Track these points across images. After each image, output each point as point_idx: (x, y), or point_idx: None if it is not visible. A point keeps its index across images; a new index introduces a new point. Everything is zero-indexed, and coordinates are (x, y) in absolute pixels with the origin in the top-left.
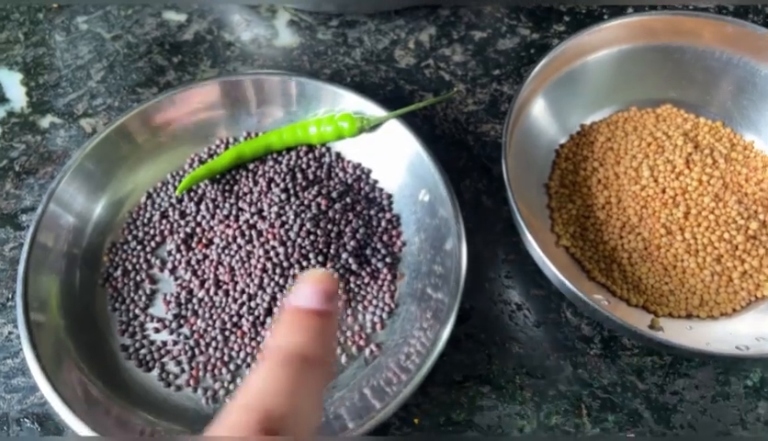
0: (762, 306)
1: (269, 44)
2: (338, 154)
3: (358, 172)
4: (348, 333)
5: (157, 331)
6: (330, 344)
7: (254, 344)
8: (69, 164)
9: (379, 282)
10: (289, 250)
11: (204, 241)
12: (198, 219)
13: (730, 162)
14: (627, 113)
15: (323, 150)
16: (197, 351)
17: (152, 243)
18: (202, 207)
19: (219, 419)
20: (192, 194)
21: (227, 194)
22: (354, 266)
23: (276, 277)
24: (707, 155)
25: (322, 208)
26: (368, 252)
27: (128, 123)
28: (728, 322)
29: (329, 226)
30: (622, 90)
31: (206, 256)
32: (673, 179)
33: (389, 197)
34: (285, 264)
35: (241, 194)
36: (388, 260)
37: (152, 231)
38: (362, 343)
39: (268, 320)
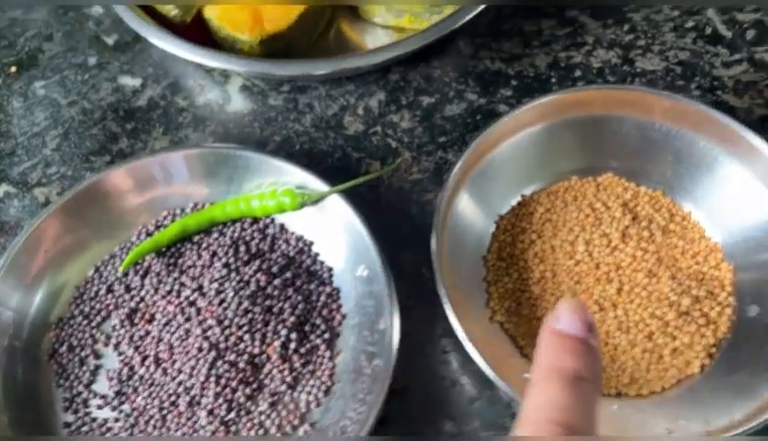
0: (690, 384)
1: (221, 110)
2: (282, 226)
3: (300, 244)
4: (284, 413)
5: (99, 407)
6: (597, 368)
7: (189, 423)
8: (5, 257)
9: (317, 359)
10: (226, 330)
11: (147, 316)
12: (143, 293)
13: (667, 234)
14: (568, 183)
15: (268, 221)
16: (136, 429)
17: (98, 318)
18: (147, 281)
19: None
20: (138, 267)
21: (171, 267)
22: (293, 344)
23: (211, 358)
24: (645, 228)
25: (262, 284)
26: (307, 328)
27: (72, 201)
28: (654, 401)
29: (267, 302)
30: (564, 160)
31: (148, 332)
32: (608, 254)
33: (330, 270)
34: (221, 345)
35: (185, 267)
36: (326, 336)
37: (97, 306)
38: (296, 422)
39: (203, 400)
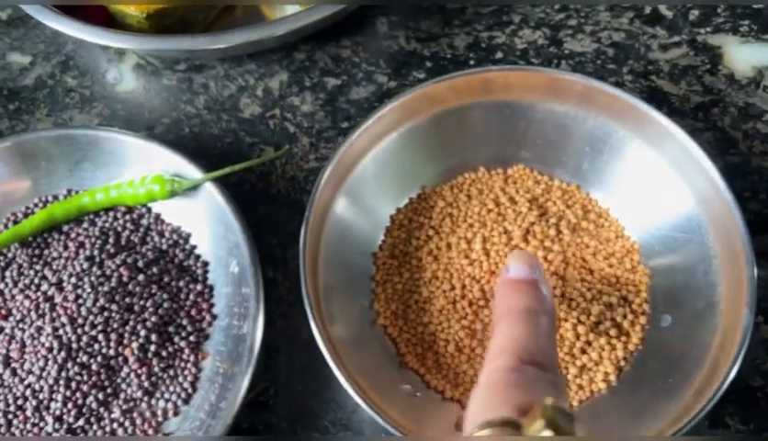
0: (592, 401)
1: (112, 90)
2: (158, 216)
3: (175, 236)
4: (138, 421)
5: None
6: (548, 302)
7: (36, 430)
8: None
9: (180, 363)
10: (79, 330)
11: (3, 312)
12: (1, 286)
13: (578, 232)
14: (475, 174)
15: (143, 211)
16: None
17: None
18: (7, 273)
19: (482, 371)
20: (1, 258)
21: (35, 259)
22: (153, 347)
23: (60, 359)
24: (552, 225)
25: (124, 279)
26: (171, 329)
27: None
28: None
29: (127, 300)
30: (470, 148)
31: (2, 329)
32: (506, 254)
33: (206, 265)
34: (74, 345)
35: (49, 259)
36: (192, 339)
37: None
38: (150, 432)
39: (52, 404)
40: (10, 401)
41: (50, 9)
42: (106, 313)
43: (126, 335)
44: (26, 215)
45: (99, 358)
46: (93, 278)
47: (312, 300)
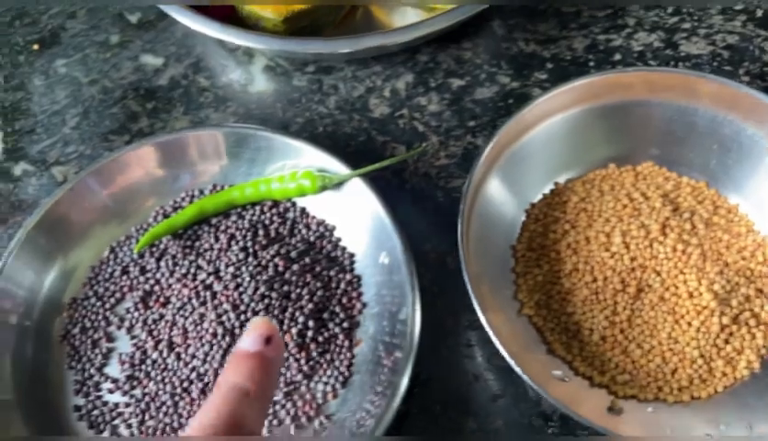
0: (735, 387)
1: (244, 90)
2: (303, 210)
3: (321, 229)
4: (299, 403)
5: (111, 392)
6: (266, 381)
7: None
8: (18, 235)
9: (336, 349)
10: (242, 315)
11: (161, 300)
12: (158, 276)
13: (711, 227)
14: (605, 171)
15: (288, 205)
16: (146, 416)
17: (112, 300)
18: (162, 263)
19: None
20: (154, 249)
21: (188, 250)
22: (310, 332)
23: (225, 344)
24: (687, 220)
25: (280, 269)
26: (326, 316)
27: (89, 179)
28: (696, 405)
29: (285, 288)
30: (600, 147)
31: (162, 316)
32: (647, 246)
33: (352, 256)
34: (237, 331)
35: (201, 250)
36: (345, 325)
37: (112, 287)
38: (312, 413)
39: None
40: (176, 383)
41: (188, 9)
42: (266, 301)
43: (285, 322)
44: (174, 209)
45: None
46: (250, 268)
47: (472, 287)
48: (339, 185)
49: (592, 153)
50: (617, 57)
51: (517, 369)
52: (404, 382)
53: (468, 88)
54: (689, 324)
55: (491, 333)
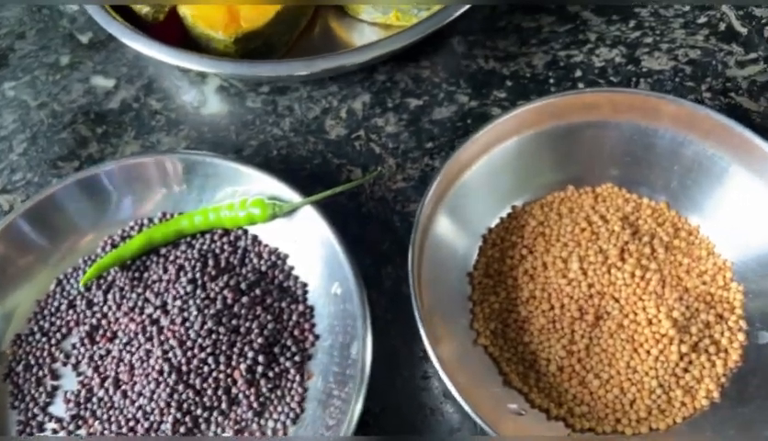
0: (695, 418)
1: (196, 112)
2: (255, 238)
3: (274, 258)
4: None
5: (55, 432)
6: None
7: None
8: None
9: (287, 384)
10: (188, 352)
11: (108, 334)
12: (105, 309)
13: (671, 250)
14: (564, 193)
15: (240, 233)
16: None
17: (58, 335)
18: (110, 296)
19: None
20: (101, 281)
21: (136, 282)
22: (260, 368)
23: (171, 382)
24: (646, 244)
25: (228, 302)
26: (277, 350)
27: (20, 221)
28: (655, 438)
29: (234, 322)
30: (559, 168)
31: (108, 351)
32: (605, 272)
33: (305, 286)
34: (183, 367)
35: (150, 282)
36: (297, 359)
37: (58, 322)
38: None
39: (162, 426)
40: (122, 422)
41: (135, 32)
42: (214, 336)
43: (234, 357)
44: (123, 238)
45: (210, 381)
46: (198, 301)
47: (421, 319)
48: (291, 212)
49: (551, 175)
50: (578, 73)
51: (467, 408)
52: (356, 415)
53: (426, 108)
54: (648, 353)
55: (439, 370)
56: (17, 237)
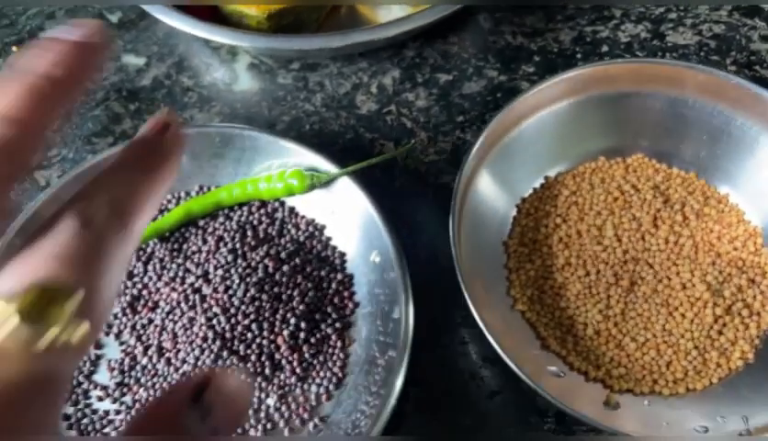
0: (730, 379)
1: (228, 89)
2: (292, 209)
3: (311, 229)
4: (293, 406)
5: (100, 399)
6: (85, 72)
7: None
8: (1, 243)
9: (328, 350)
10: (232, 319)
11: (150, 304)
12: (146, 280)
13: (702, 218)
14: (595, 163)
15: (276, 205)
16: None
17: None
18: (150, 267)
19: None
20: (140, 253)
21: (175, 253)
22: (302, 334)
23: (216, 348)
24: (678, 211)
25: (270, 270)
26: (318, 317)
27: (74, 183)
28: (692, 398)
29: (276, 289)
30: (590, 139)
31: (151, 321)
32: (639, 239)
33: (343, 256)
34: (227, 334)
35: (189, 253)
36: (338, 325)
37: None
38: (306, 416)
39: None
40: (167, 389)
41: (169, 8)
42: (257, 303)
43: (277, 324)
44: (161, 212)
45: (254, 347)
46: (240, 270)
47: (464, 283)
48: (328, 183)
49: (582, 146)
50: (605, 49)
51: (512, 366)
52: (399, 382)
53: (455, 83)
54: (683, 316)
55: (485, 330)
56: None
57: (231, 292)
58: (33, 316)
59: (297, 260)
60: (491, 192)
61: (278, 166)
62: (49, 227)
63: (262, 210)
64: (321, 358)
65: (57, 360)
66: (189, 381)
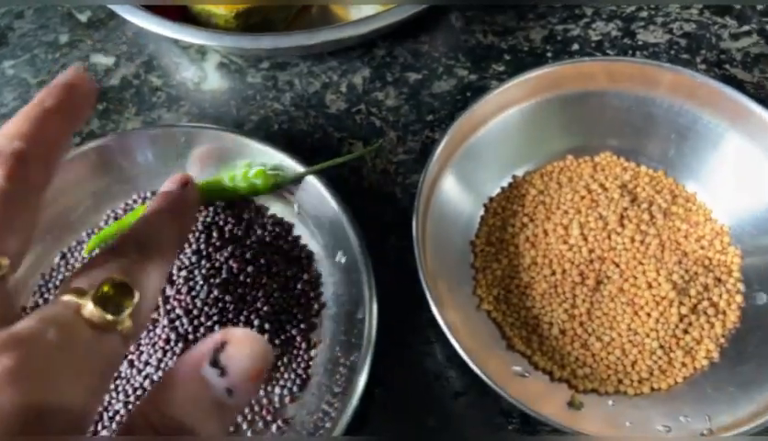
0: (695, 378)
1: (197, 88)
2: (258, 209)
3: (278, 229)
4: (256, 408)
5: None
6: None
7: None
8: None
9: (293, 351)
10: (195, 321)
11: None
12: None
13: (669, 216)
14: (564, 162)
15: (243, 205)
16: (99, 425)
17: None
18: None
19: None
20: None
21: None
22: (266, 336)
23: (178, 350)
24: (645, 210)
25: (234, 271)
26: (283, 318)
27: None
28: (656, 397)
29: (240, 290)
30: (558, 138)
31: None
32: (605, 238)
33: (310, 255)
34: (190, 336)
35: None
36: (303, 327)
37: None
38: (269, 418)
39: None
40: (129, 392)
41: (138, 8)
42: (220, 304)
43: (240, 325)
44: (125, 211)
45: None
46: (204, 271)
47: (427, 285)
48: (292, 183)
49: (550, 145)
50: (575, 47)
51: (475, 368)
52: (362, 381)
53: (425, 82)
54: (648, 315)
55: (446, 330)
56: None
57: (194, 293)
58: (103, 302)
59: (262, 260)
60: (456, 192)
61: (243, 166)
62: (113, 246)
63: (228, 211)
64: (285, 360)
65: (115, 341)
66: (209, 341)
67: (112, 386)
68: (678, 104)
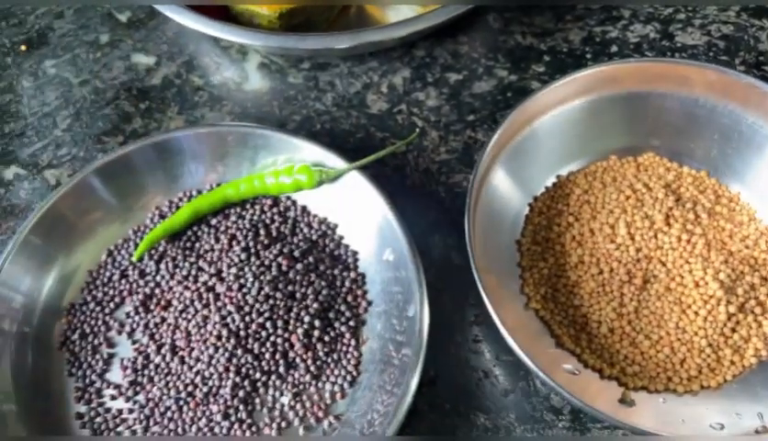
0: (745, 376)
1: (238, 88)
2: (304, 208)
3: (324, 227)
4: (308, 404)
5: (113, 398)
6: None
7: (206, 415)
8: (15, 239)
9: (342, 348)
10: (246, 317)
11: (162, 303)
12: (158, 279)
13: (714, 216)
14: (607, 163)
15: (289, 203)
16: (151, 421)
17: (111, 305)
18: (162, 266)
19: None
20: (152, 252)
21: (188, 252)
22: (316, 332)
23: (230, 346)
24: (690, 210)
25: (283, 268)
26: (331, 315)
27: (86, 181)
28: (707, 395)
29: (289, 288)
30: (601, 138)
31: (164, 319)
32: (651, 237)
33: (355, 254)
34: (241, 332)
35: (202, 252)
36: (351, 324)
37: (111, 292)
38: (320, 414)
39: (221, 391)
40: (180, 387)
41: (181, 7)
42: (271, 301)
43: (291, 322)
44: (170, 209)
45: (268, 345)
46: (253, 268)
47: (481, 281)
48: (339, 180)
49: (594, 145)
50: (614, 49)
51: (528, 362)
52: (415, 380)
53: (465, 82)
54: (696, 314)
55: (500, 328)
56: (81, 197)
57: (245, 290)
58: None
59: (310, 258)
60: (504, 190)
61: (284, 162)
62: None
63: (274, 209)
64: (334, 356)
65: None
66: None
67: (163, 382)
68: (722, 105)
